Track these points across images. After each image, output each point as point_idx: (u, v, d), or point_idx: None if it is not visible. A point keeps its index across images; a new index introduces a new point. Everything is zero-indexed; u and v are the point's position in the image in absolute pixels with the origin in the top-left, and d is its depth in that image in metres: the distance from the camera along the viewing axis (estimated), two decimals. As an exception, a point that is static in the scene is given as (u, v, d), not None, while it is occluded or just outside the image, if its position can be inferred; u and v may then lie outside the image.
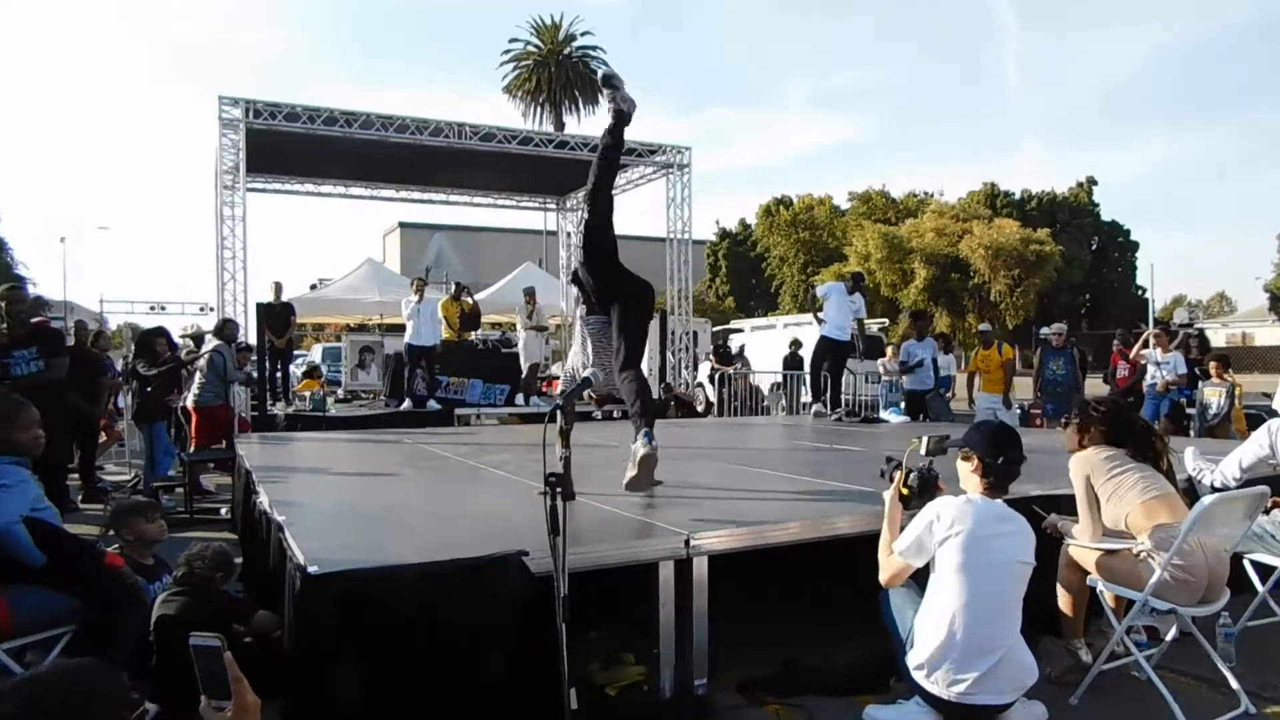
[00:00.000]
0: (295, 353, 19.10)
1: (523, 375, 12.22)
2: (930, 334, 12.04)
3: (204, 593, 3.53)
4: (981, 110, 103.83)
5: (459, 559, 3.11)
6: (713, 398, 15.92)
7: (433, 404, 11.60)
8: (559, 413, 2.94)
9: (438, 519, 4.05)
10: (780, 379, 15.65)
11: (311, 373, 15.90)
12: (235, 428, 8.80)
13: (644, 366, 4.56)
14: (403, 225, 49.49)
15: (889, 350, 14.74)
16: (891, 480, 3.46)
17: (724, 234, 47.86)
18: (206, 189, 13.58)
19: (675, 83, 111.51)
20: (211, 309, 12.86)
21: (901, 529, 3.17)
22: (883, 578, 3.20)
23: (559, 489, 2.74)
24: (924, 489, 3.36)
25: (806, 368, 15.46)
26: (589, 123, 35.53)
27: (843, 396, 11.22)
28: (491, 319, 17.11)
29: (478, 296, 18.98)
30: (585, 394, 3.48)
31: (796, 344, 15.44)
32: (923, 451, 3.60)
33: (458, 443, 7.83)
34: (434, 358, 11.70)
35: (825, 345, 10.06)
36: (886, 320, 23.32)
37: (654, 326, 16.90)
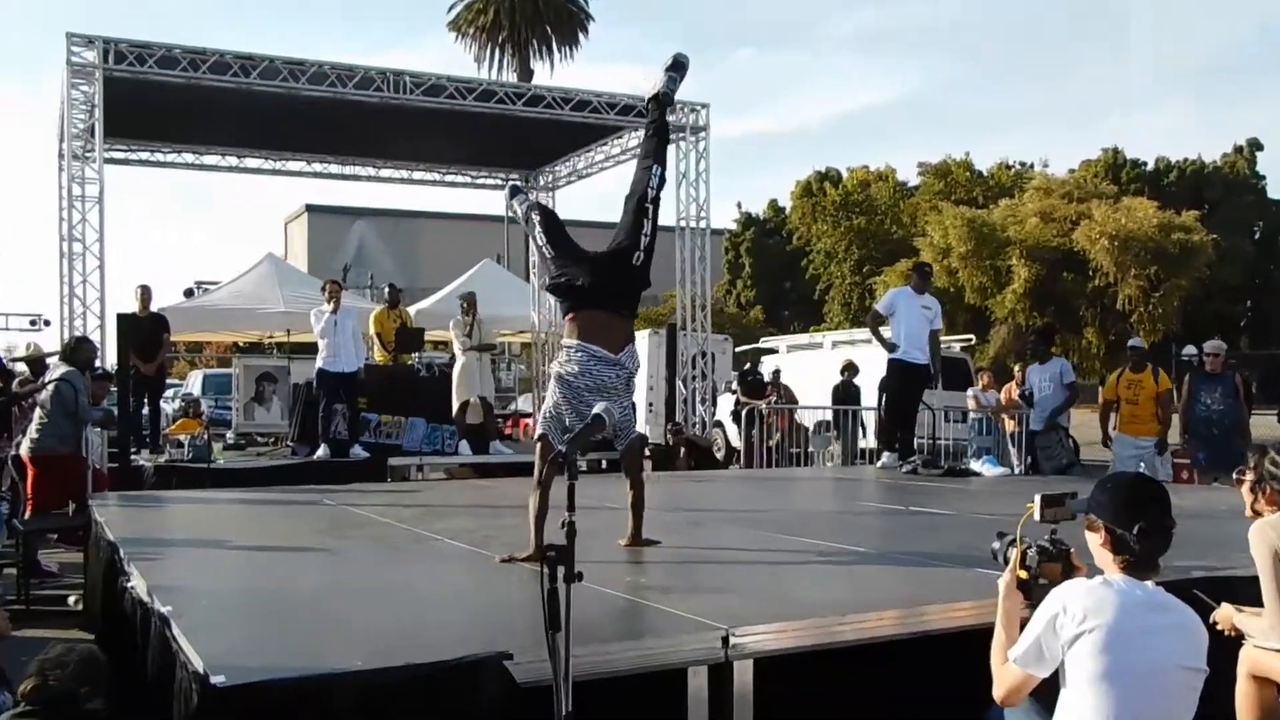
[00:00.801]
0: (169, 382, 19.14)
1: (453, 412, 12.31)
2: (1055, 352, 12.07)
3: (63, 715, 3.51)
4: (1099, 52, 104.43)
5: (416, 664, 3.11)
6: (736, 441, 15.94)
7: (358, 451, 11.64)
8: (563, 463, 2.94)
9: (381, 607, 4.04)
10: (829, 416, 15.71)
11: (190, 409, 15.92)
12: (89, 485, 8.78)
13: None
14: (312, 209, 49.81)
15: (982, 377, 14.84)
16: (1006, 562, 3.44)
17: (749, 221, 48.19)
18: (47, 159, 13.63)
19: (683, 14, 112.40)
20: (48, 323, 12.91)
21: (1022, 627, 3.16)
22: (996, 693, 3.17)
23: (560, 566, 2.72)
24: (1049, 571, 3.34)
25: (866, 401, 15.78)
26: (565, 71, 35.94)
27: (917, 439, 11.25)
28: (437, 336, 17.13)
29: (418, 305, 19.22)
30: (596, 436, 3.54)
31: (850, 369, 15.53)
32: (1038, 516, 3.57)
33: (395, 503, 7.82)
34: (358, 388, 11.76)
35: (897, 371, 10.13)
36: (973, 337, 23.37)
37: (658, 346, 17.12)
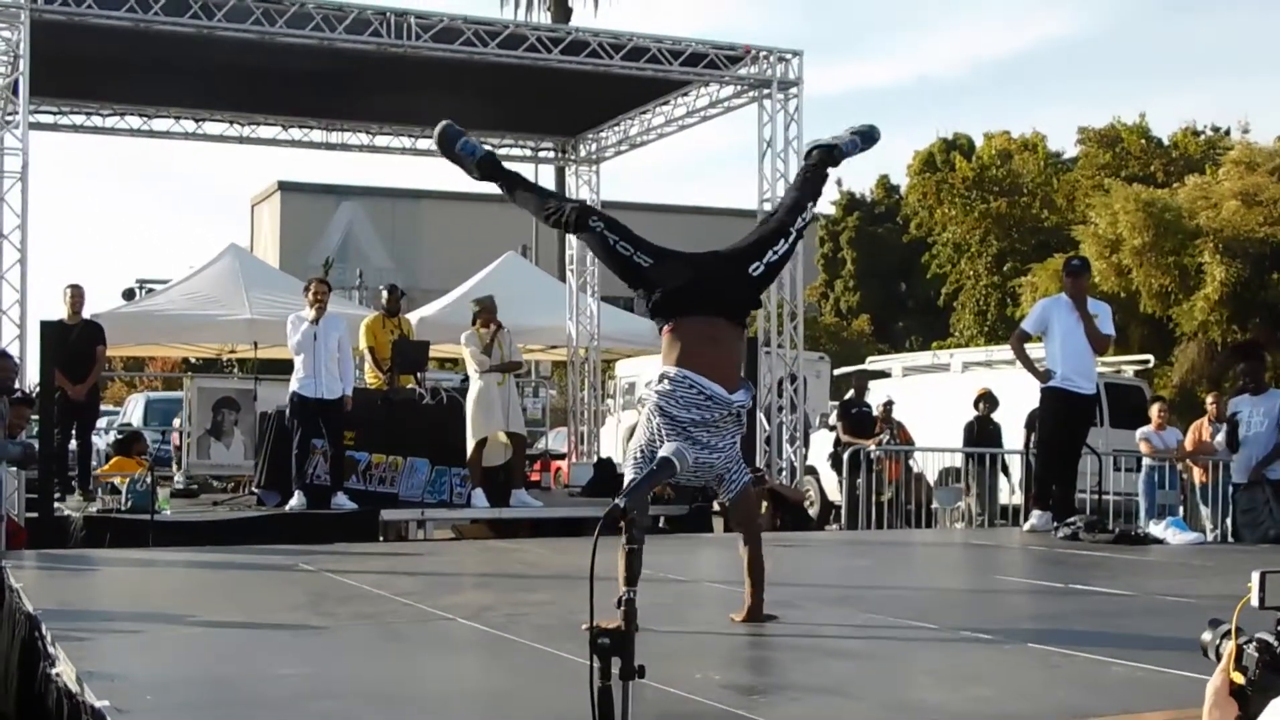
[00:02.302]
0: (102, 409, 19.43)
1: (468, 453, 12.36)
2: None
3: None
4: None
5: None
6: (835, 493, 15.84)
7: (342, 501, 11.73)
8: (623, 521, 2.94)
9: (376, 711, 4.04)
10: (958, 463, 15.54)
11: (128, 444, 16.13)
12: (1, 540, 8.93)
13: None
14: (286, 188, 50.46)
15: (1154, 411, 14.62)
16: (1218, 659, 3.38)
17: (852, 203, 48.04)
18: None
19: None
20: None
21: (1239, 744, 3.10)
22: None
23: (614, 657, 2.69)
24: (1273, 674, 3.27)
25: (1009, 442, 15.61)
26: (613, 10, 36.08)
27: (1079, 494, 11.14)
28: (445, 351, 17.23)
29: (420, 312, 19.28)
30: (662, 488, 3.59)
31: (988, 401, 15.40)
32: (1255, 602, 3.49)
33: (392, 570, 7.86)
34: (341, 419, 11.85)
35: (1053, 404, 10.12)
36: (1151, 357, 23.06)
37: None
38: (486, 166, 5.64)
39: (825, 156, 5.91)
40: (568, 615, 5.31)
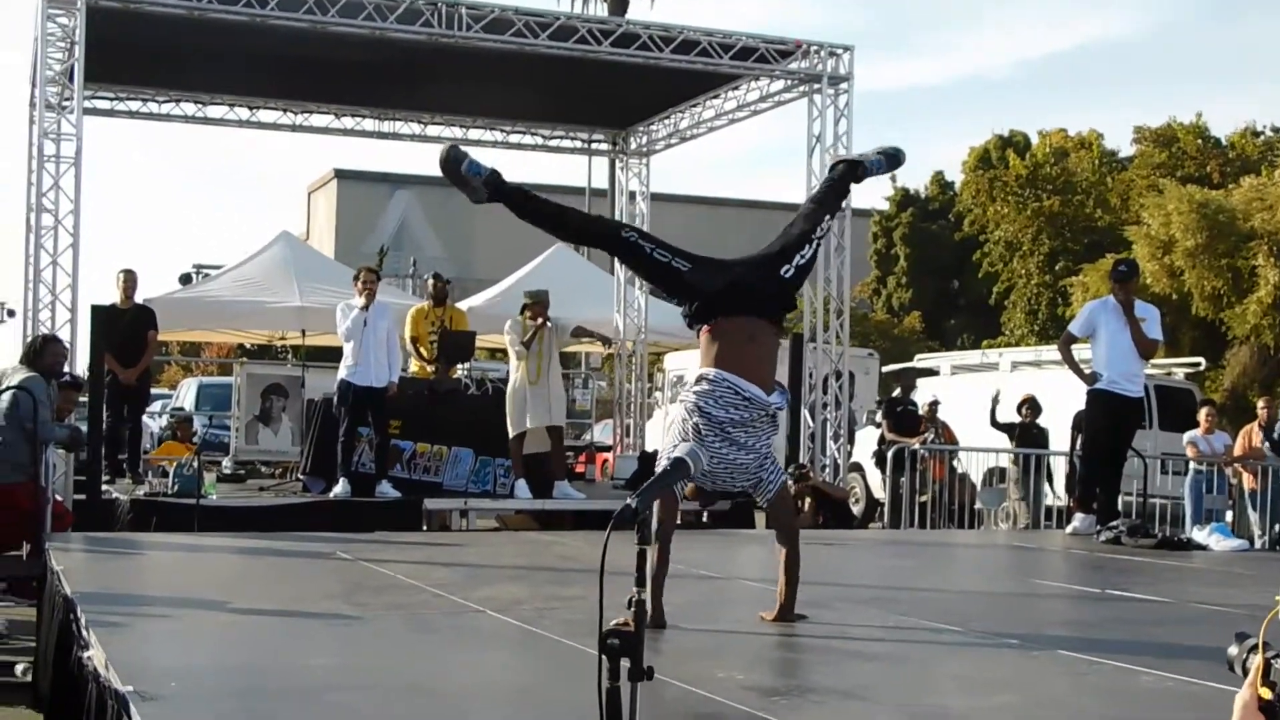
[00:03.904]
0: (154, 393, 19.61)
1: (510, 444, 12.34)
2: None
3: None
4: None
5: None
6: (880, 491, 15.73)
7: (386, 489, 11.79)
8: (634, 519, 2.93)
9: (401, 703, 4.06)
10: (1006, 463, 15.42)
11: (179, 429, 16.32)
12: (48, 523, 9.01)
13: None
14: (341, 175, 50.83)
15: (1202, 415, 14.44)
16: (1245, 673, 3.34)
17: (906, 199, 47.73)
18: (15, 110, 13.97)
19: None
20: (13, 313, 13.23)
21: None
22: None
23: (623, 659, 2.69)
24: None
25: (1055, 443, 15.45)
26: (668, 3, 35.95)
27: (1123, 497, 11.02)
28: (493, 341, 17.28)
29: (471, 302, 19.30)
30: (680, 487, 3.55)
31: (1033, 409, 15.28)
32: (1286, 618, 3.46)
33: (430, 560, 7.89)
34: (387, 408, 11.94)
35: (1100, 406, 10.04)
36: (1202, 360, 22.78)
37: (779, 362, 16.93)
38: (493, 186, 5.61)
39: (849, 172, 6.05)
40: (598, 611, 5.28)
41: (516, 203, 5.65)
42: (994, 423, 15.19)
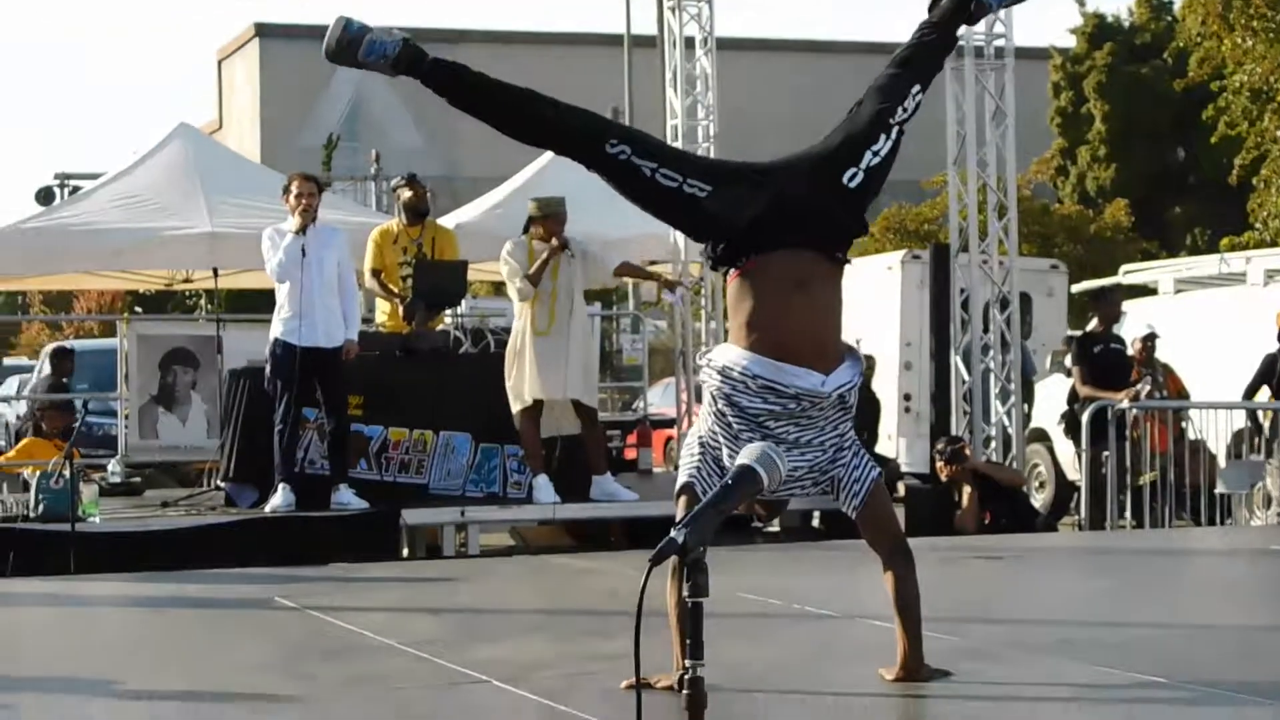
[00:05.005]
0: (9, 363, 19.68)
1: (515, 418, 12.15)
2: None
3: None
4: None
5: None
6: (1074, 471, 15.62)
7: (346, 498, 11.85)
8: (677, 563, 2.96)
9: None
10: (1256, 421, 15.31)
11: (45, 419, 16.31)
12: None
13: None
14: (265, 32, 50.93)
15: None
16: None
17: (1101, 31, 47.19)
18: None
19: None
20: None
21: None
22: None
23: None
24: None
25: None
26: None
27: None
28: (494, 272, 17.17)
29: (459, 215, 19.03)
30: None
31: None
32: None
33: (411, 604, 7.95)
34: (341, 378, 11.99)
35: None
36: None
37: (916, 284, 16.67)
38: (406, 64, 5.53)
39: (956, 9, 5.84)
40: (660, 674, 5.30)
41: (444, 86, 5.60)
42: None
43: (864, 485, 5.26)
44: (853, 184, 5.32)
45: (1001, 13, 14.52)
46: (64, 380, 18.80)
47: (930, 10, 5.88)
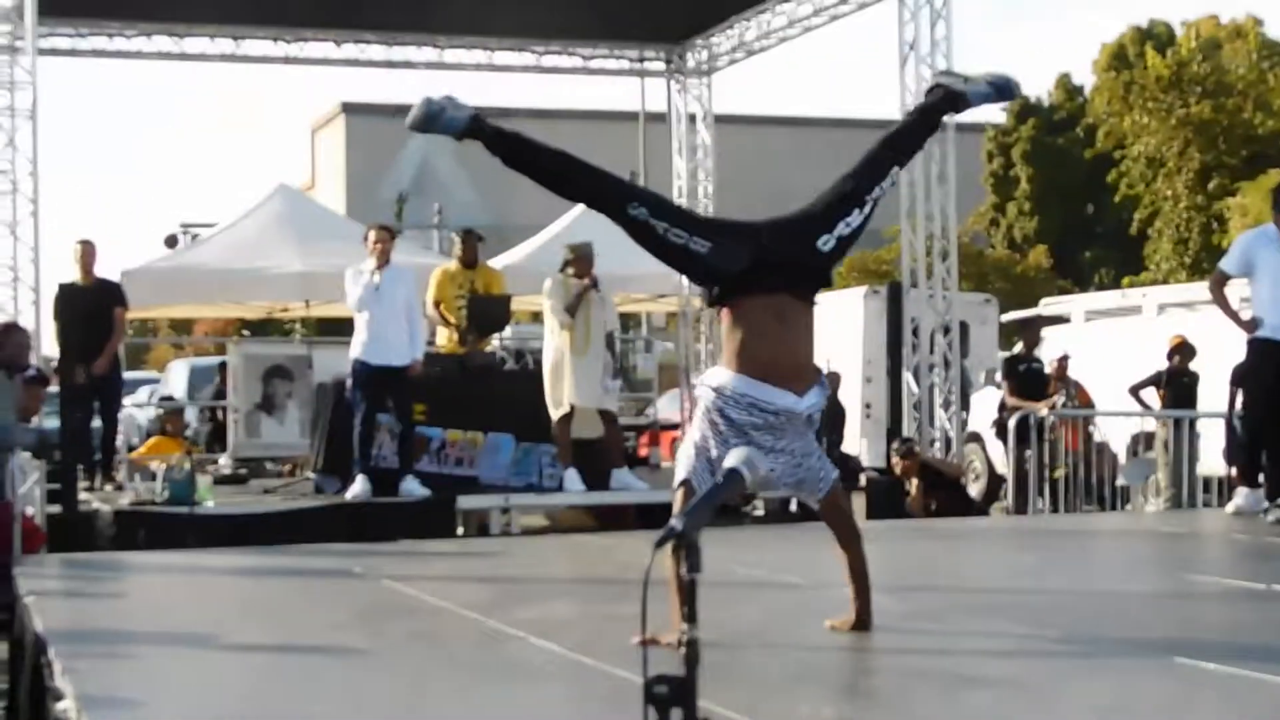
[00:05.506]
0: (131, 378, 19.68)
1: (554, 426, 12.29)
2: None
3: None
4: None
5: None
6: (1003, 467, 15.62)
7: (412, 487, 11.88)
8: (676, 545, 2.99)
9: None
10: (1151, 427, 15.25)
11: (169, 421, 16.34)
12: (17, 544, 9.13)
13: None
14: (350, 110, 50.97)
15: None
16: None
17: (1026, 110, 47.25)
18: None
19: None
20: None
21: None
22: None
23: (674, 709, 2.72)
24: None
25: (1209, 402, 15.17)
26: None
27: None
28: (533, 304, 17.25)
29: (509, 258, 19.20)
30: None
31: (1185, 354, 15.06)
32: None
33: (463, 575, 7.96)
34: (410, 389, 11.99)
35: (1262, 358, 9.96)
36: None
37: (876, 315, 16.69)
38: (475, 130, 5.58)
39: (944, 102, 5.92)
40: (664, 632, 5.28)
41: (504, 151, 5.59)
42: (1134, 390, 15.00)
43: (826, 483, 5.37)
44: (825, 248, 5.41)
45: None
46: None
47: (928, 95, 6.06)
